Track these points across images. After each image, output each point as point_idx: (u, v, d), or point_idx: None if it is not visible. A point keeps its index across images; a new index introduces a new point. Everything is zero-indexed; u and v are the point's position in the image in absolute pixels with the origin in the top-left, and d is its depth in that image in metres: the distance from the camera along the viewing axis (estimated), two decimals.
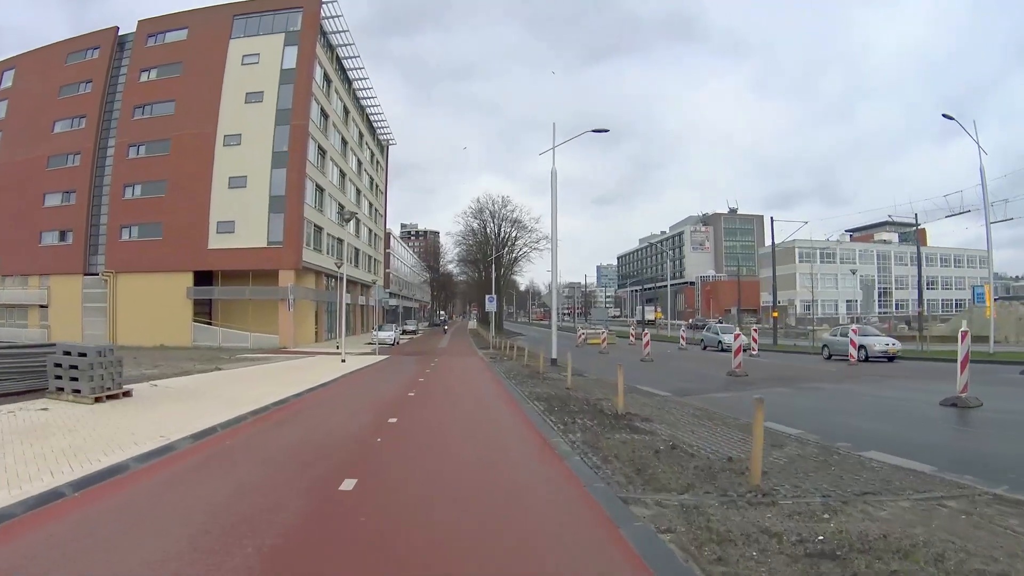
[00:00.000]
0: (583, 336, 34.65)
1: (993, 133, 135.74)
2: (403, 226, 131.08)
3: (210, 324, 32.52)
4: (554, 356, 17.85)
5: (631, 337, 37.16)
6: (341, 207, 40.19)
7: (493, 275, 40.18)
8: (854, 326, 21.80)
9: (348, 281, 46.02)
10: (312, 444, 7.16)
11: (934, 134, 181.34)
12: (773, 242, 37.97)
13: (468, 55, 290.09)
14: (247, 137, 32.61)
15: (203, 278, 32.62)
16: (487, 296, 29.16)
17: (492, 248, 53.60)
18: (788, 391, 12.54)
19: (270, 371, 16.70)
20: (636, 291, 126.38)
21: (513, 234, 56.21)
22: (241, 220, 31.87)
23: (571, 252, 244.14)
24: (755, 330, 25.93)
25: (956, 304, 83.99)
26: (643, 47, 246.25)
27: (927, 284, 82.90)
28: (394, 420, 8.83)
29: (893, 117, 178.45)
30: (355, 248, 44.51)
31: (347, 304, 41.97)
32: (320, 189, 35.38)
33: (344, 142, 41.50)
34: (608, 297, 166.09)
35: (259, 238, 31.40)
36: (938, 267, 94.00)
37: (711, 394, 12.27)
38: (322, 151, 36.05)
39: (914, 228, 39.72)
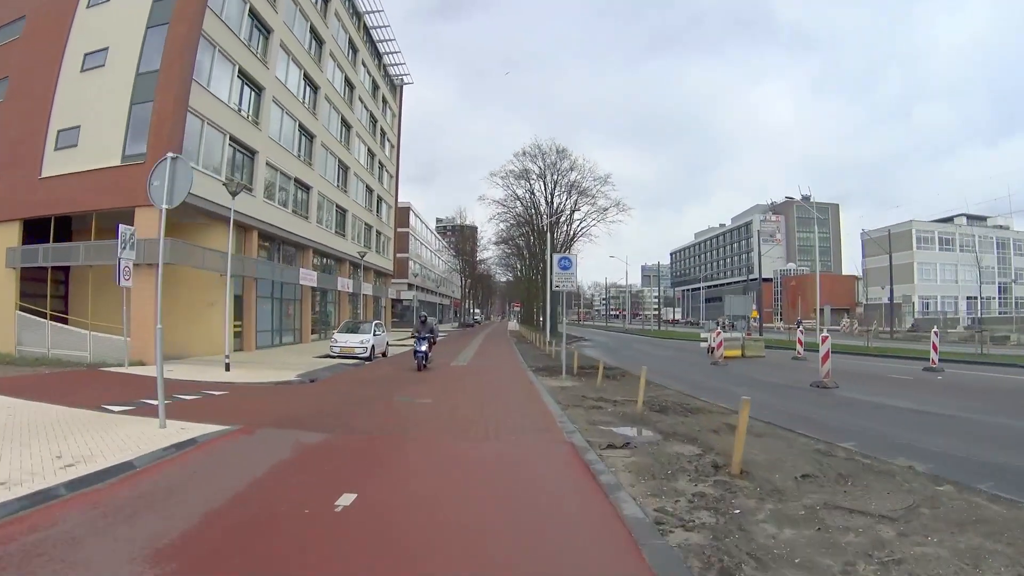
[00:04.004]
0: (720, 347, 18.19)
1: None
2: (438, 220, 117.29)
3: (56, 317, 17.74)
4: None
5: (798, 346, 20.54)
6: (305, 132, 25.03)
7: (549, 241, 24.33)
8: None
9: (329, 256, 30.17)
10: None
11: (986, 135, 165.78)
12: None
13: (521, 44, 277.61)
14: None
15: (40, 231, 17.97)
16: (559, 259, 13.39)
17: (544, 216, 37.74)
18: None
19: None
20: (697, 289, 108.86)
21: (570, 203, 39.58)
22: (90, 123, 17.13)
23: (615, 251, 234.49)
24: None
25: None
26: (706, 40, 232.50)
27: None
28: None
29: (947, 117, 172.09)
30: (338, 206, 29.33)
31: (313, 289, 26.89)
32: (252, 84, 20.27)
33: (317, 38, 26.47)
34: (655, 297, 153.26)
35: (111, 152, 16.48)
36: None
37: None
38: (262, 26, 21.02)
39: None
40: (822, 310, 73.91)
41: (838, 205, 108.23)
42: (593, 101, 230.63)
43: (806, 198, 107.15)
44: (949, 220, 69.34)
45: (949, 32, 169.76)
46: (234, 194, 13.07)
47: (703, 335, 22.49)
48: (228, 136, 18.48)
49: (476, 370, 15.69)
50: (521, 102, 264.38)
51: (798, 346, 20.49)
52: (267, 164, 20.88)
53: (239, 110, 19.38)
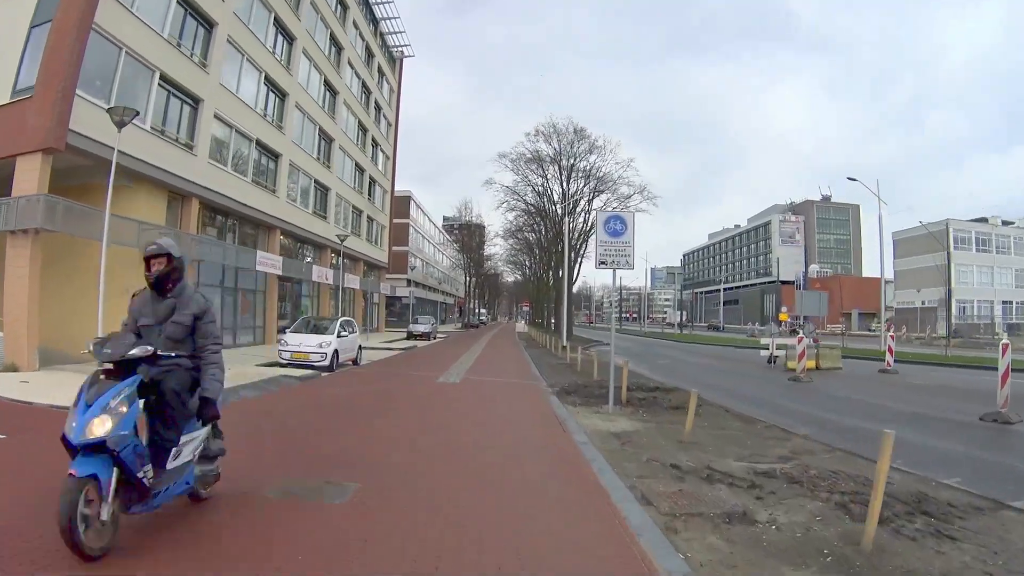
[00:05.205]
0: (803, 357, 13.66)
1: None
2: (445, 218, 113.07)
3: None
4: None
5: (888, 356, 16.01)
6: (274, 87, 20.76)
7: (566, 228, 19.97)
8: None
9: (305, 240, 23.29)
10: None
11: (998, 144, 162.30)
12: None
13: (531, 45, 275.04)
14: None
15: None
16: (606, 219, 8.82)
17: (558, 205, 33.27)
18: None
19: None
20: (713, 291, 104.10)
21: (587, 190, 34.76)
22: None
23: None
24: None
25: None
26: (719, 43, 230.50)
27: None
28: None
29: (959, 125, 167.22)
30: (318, 182, 25.00)
31: (281, 278, 22.57)
32: (199, 16, 15.99)
33: None
34: (666, 300, 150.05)
35: (2, 87, 12.33)
36: None
37: None
38: None
39: None
40: (849, 314, 69.28)
41: (859, 206, 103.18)
42: (602, 102, 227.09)
43: (827, 198, 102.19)
44: (984, 220, 64.83)
45: (963, 39, 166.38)
46: (119, 124, 8.79)
47: (764, 341, 18.06)
48: (159, 74, 14.21)
49: (472, 393, 10.49)
50: (529, 103, 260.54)
51: (888, 356, 15.98)
52: (216, 117, 16.57)
53: (178, 45, 15.11)
